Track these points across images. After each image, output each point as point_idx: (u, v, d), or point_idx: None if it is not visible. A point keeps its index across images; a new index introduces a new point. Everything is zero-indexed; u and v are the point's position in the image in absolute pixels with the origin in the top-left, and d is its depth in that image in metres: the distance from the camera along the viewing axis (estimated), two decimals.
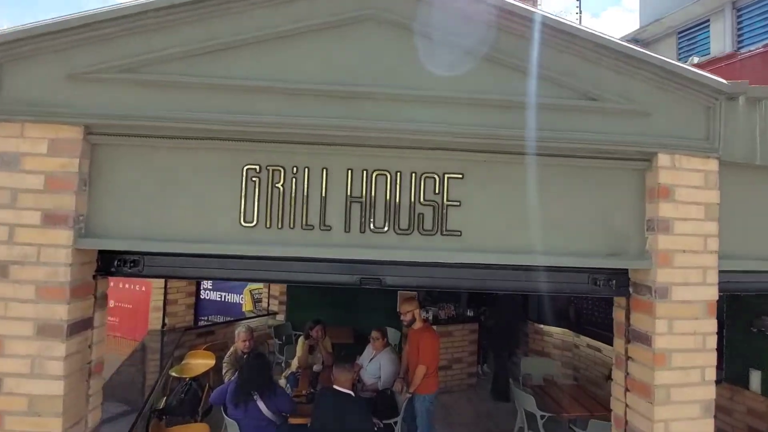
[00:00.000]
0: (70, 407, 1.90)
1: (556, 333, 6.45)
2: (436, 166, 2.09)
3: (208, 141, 2.02)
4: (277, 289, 7.01)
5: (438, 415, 4.55)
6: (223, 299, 8.06)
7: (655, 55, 2.12)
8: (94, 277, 2.09)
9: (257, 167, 2.04)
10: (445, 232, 2.06)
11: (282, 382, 5.27)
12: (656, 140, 2.09)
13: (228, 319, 7.16)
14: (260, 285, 7.64)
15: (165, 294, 5.59)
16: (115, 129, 1.99)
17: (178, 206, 2.04)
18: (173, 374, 4.84)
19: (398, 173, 2.08)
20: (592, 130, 2.07)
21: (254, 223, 2.02)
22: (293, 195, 2.03)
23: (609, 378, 5.85)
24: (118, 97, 1.95)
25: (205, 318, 7.91)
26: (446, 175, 2.09)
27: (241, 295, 7.96)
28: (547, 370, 5.37)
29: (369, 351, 4.95)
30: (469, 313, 6.83)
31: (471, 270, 2.12)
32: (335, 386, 3.39)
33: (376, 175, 2.07)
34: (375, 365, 4.71)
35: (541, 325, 6.60)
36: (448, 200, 2.08)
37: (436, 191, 2.08)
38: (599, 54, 2.04)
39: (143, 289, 8.25)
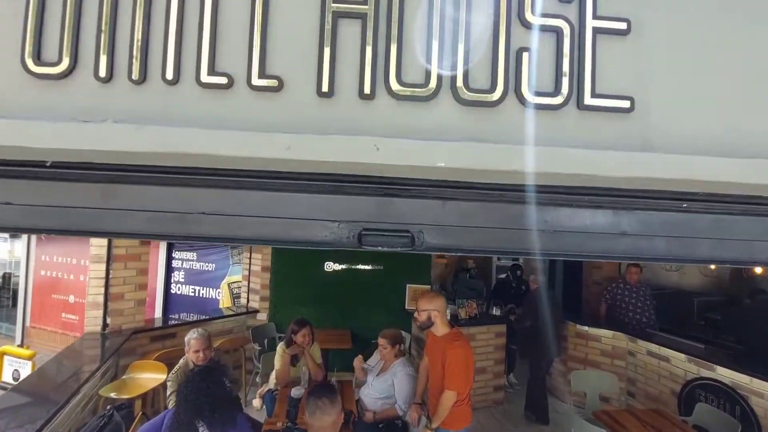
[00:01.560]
0: None
1: (605, 337, 5.17)
2: None
3: None
4: (258, 282, 5.73)
5: None
6: (196, 294, 6.79)
7: None
8: None
9: None
10: (589, 102, 0.77)
11: (257, 403, 3.99)
12: None
13: (202, 317, 5.81)
14: (239, 277, 6.36)
15: (106, 286, 4.31)
16: None
17: None
18: (111, 395, 3.57)
19: None
20: None
21: (64, 65, 0.73)
22: None
23: (679, 395, 4.64)
24: None
25: (176, 317, 6.62)
26: None
27: (218, 290, 6.69)
28: (606, 386, 4.09)
29: (376, 361, 3.68)
30: (495, 312, 5.54)
31: (658, 200, 0.82)
32: None
33: None
34: (384, 382, 3.42)
35: (585, 327, 5.32)
36: (596, 17, 0.78)
37: None
38: None
39: None
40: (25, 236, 8.74)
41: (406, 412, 3.21)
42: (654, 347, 4.67)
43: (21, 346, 8.43)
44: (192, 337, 3.22)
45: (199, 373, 2.50)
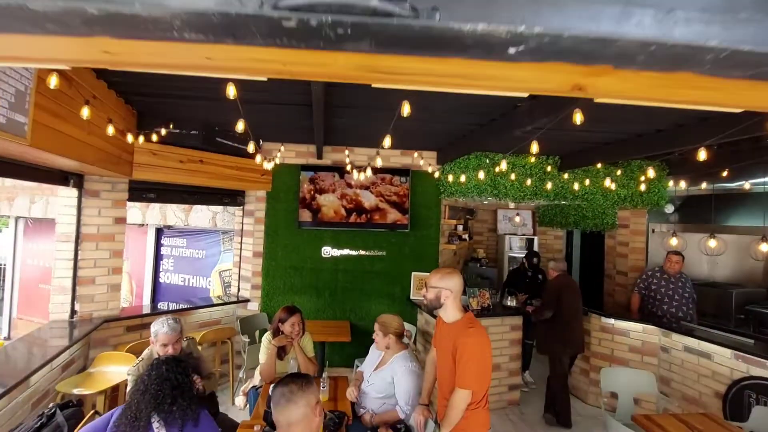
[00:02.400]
0: None
1: (634, 331, 4.61)
2: None
3: None
4: (249, 268, 5.24)
5: None
6: (186, 283, 6.33)
7: None
8: None
9: None
10: None
11: (239, 401, 3.51)
12: None
13: (185, 306, 5.30)
14: (230, 264, 5.89)
15: (75, 268, 3.84)
16: None
17: None
18: (74, 390, 3.12)
19: None
20: None
21: None
22: None
23: (724, 397, 4.06)
24: None
25: (165, 306, 6.18)
26: None
27: (209, 278, 6.22)
28: (642, 386, 3.53)
29: (374, 354, 3.18)
30: (510, 303, 5.00)
31: None
32: None
33: None
34: (382, 379, 2.92)
35: (611, 320, 4.76)
36: None
37: None
38: None
39: None
40: (12, 224, 8.37)
41: (409, 415, 2.70)
42: (692, 342, 4.11)
43: (8, 338, 8.09)
44: (161, 330, 2.75)
45: (165, 362, 2.09)
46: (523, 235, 7.41)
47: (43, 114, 2.23)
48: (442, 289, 2.35)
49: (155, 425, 1.91)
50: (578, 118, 1.85)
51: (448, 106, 3.36)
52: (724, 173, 4.24)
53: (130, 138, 3.18)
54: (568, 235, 7.76)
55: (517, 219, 7.35)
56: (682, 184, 4.16)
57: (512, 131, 3.23)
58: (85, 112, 2.24)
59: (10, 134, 1.93)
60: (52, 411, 2.34)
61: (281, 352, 3.32)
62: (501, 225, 7.64)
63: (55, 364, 3.16)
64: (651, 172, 3.25)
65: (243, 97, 2.63)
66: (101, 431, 1.98)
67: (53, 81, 1.87)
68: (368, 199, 5.09)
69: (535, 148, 2.38)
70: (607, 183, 4.27)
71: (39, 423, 2.23)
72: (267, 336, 3.36)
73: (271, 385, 1.69)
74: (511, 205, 6.76)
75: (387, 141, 2.32)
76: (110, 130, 2.63)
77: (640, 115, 3.38)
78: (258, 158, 3.17)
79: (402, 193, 5.15)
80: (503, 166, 2.82)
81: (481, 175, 3.71)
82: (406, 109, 1.82)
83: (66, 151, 2.54)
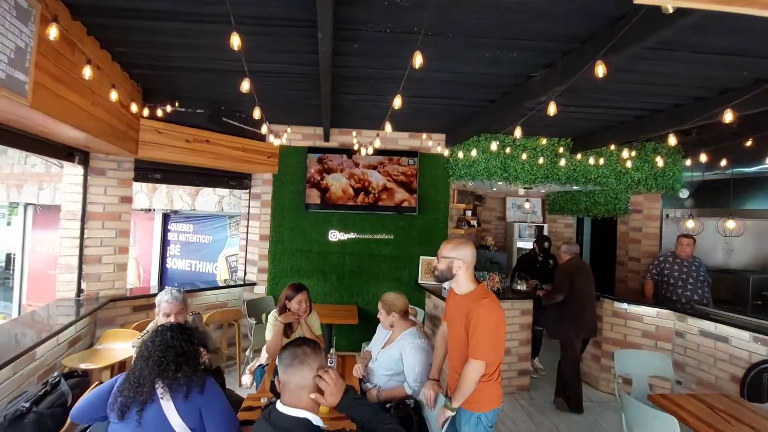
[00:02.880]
0: None
1: (648, 316, 4.50)
2: None
3: None
4: (255, 252, 5.20)
5: None
6: (193, 268, 6.31)
7: None
8: None
9: None
10: None
11: (246, 379, 3.46)
12: None
13: (192, 288, 5.24)
14: (237, 249, 5.85)
15: (81, 247, 3.81)
16: None
17: None
18: (81, 366, 3.08)
19: None
20: None
21: None
22: None
23: (742, 380, 3.94)
24: None
25: None
26: None
27: (215, 263, 6.20)
28: (658, 369, 3.43)
29: (381, 333, 3.12)
30: (519, 287, 4.91)
31: None
32: (281, 404, 1.55)
33: None
34: (390, 356, 2.87)
35: (624, 305, 4.65)
36: None
37: None
38: None
39: None
40: (21, 212, 8.43)
41: (417, 392, 2.63)
42: (709, 325, 3.99)
43: None
44: (162, 299, 2.71)
45: (170, 329, 2.02)
46: (533, 222, 7.30)
47: (44, 76, 2.17)
48: (455, 259, 2.27)
49: (159, 391, 1.86)
50: (600, 70, 1.75)
51: (459, 78, 3.25)
52: (747, 143, 4.09)
53: (134, 107, 3.12)
54: (578, 223, 7.64)
55: (527, 205, 7.24)
56: (702, 158, 4.02)
57: (524, 103, 3.13)
58: (87, 72, 2.18)
59: (10, 91, 1.88)
60: (57, 380, 2.31)
61: (288, 330, 3.27)
62: (510, 213, 7.54)
63: (62, 339, 3.13)
64: (672, 140, 3.11)
65: (249, 67, 2.56)
66: (105, 397, 1.94)
67: (53, 32, 1.81)
68: (376, 179, 5.01)
69: (552, 108, 2.28)
70: (624, 154, 4.17)
71: (43, 390, 2.20)
72: (273, 313, 3.32)
73: (282, 349, 1.62)
74: (521, 191, 6.65)
75: (397, 101, 2.24)
76: (113, 95, 2.57)
77: (657, 84, 3.22)
78: (264, 128, 3.11)
79: (410, 173, 5.07)
80: (517, 133, 2.71)
81: (494, 146, 3.61)
82: (418, 60, 1.74)
83: (68, 117, 2.49)
